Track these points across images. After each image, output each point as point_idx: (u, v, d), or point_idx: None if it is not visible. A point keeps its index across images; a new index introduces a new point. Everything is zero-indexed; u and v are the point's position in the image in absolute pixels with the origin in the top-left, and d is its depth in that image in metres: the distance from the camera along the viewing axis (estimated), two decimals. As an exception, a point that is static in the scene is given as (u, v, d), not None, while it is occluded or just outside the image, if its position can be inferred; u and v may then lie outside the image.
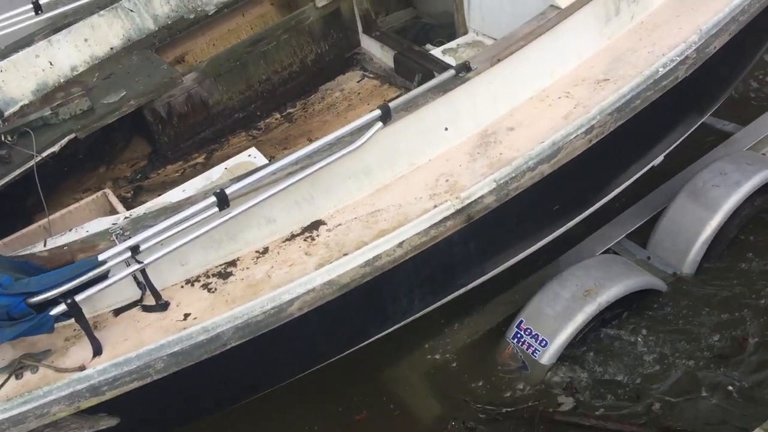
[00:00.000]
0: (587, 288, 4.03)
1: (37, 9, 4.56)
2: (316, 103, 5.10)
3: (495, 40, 4.21)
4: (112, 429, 3.10)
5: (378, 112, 3.23)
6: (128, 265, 2.84)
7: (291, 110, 5.10)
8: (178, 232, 2.89)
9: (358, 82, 5.20)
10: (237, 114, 4.95)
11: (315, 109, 5.06)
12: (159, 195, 4.44)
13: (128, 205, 4.33)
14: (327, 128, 4.81)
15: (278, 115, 5.06)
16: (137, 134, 4.87)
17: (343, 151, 3.18)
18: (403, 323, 3.76)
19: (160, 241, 2.87)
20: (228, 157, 4.74)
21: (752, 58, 4.61)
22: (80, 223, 3.89)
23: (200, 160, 4.77)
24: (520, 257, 4.03)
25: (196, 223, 2.92)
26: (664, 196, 4.70)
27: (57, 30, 4.62)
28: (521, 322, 4.10)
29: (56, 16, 4.66)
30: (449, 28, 5.34)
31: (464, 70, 3.43)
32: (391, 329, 3.75)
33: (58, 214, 3.88)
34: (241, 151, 4.75)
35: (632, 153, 4.14)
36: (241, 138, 4.92)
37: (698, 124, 4.51)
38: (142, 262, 2.84)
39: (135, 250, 2.80)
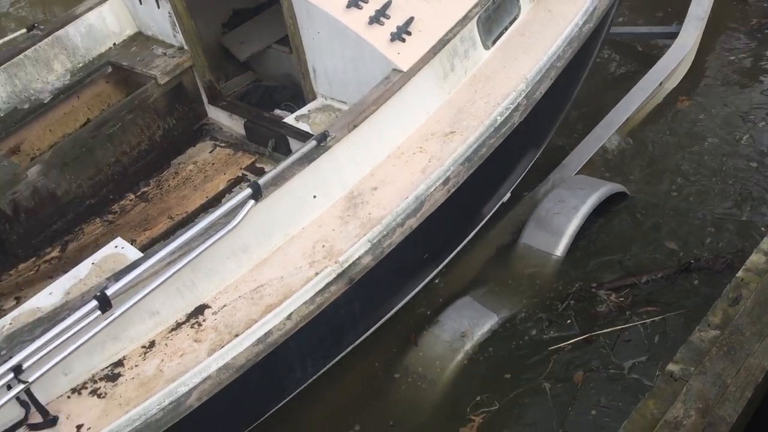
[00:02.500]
0: (463, 330, 4.29)
1: None
2: (170, 179, 5.05)
3: (343, 103, 4.42)
4: None
5: (249, 190, 3.30)
6: (10, 387, 2.69)
7: (145, 189, 5.00)
8: (61, 342, 2.78)
9: (210, 152, 5.20)
10: (88, 201, 4.79)
11: (170, 185, 5.00)
12: (16, 298, 4.24)
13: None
14: (186, 203, 4.78)
15: (132, 196, 4.95)
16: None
17: (220, 233, 3.20)
18: (296, 392, 3.80)
19: (43, 356, 2.74)
20: (85, 247, 4.59)
21: (573, 93, 5.15)
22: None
23: (55, 254, 4.55)
24: (400, 305, 4.22)
25: (78, 330, 2.82)
26: (512, 227, 5.11)
27: None
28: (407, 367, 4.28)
29: None
30: (291, 89, 5.50)
31: (324, 138, 3.58)
32: (286, 400, 3.78)
33: None
34: (97, 239, 4.63)
35: (485, 195, 4.49)
36: (96, 225, 4.75)
37: (536, 157, 4.96)
38: (27, 382, 2.69)
39: (18, 370, 2.66)
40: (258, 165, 4.96)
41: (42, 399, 2.90)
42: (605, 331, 4.36)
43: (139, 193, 4.96)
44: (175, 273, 3.09)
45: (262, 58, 5.87)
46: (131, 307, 2.95)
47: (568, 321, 4.47)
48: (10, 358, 2.71)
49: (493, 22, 4.38)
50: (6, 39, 4.90)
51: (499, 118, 4.02)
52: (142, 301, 3.05)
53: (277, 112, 5.14)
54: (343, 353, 3.99)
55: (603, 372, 4.19)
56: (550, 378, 4.20)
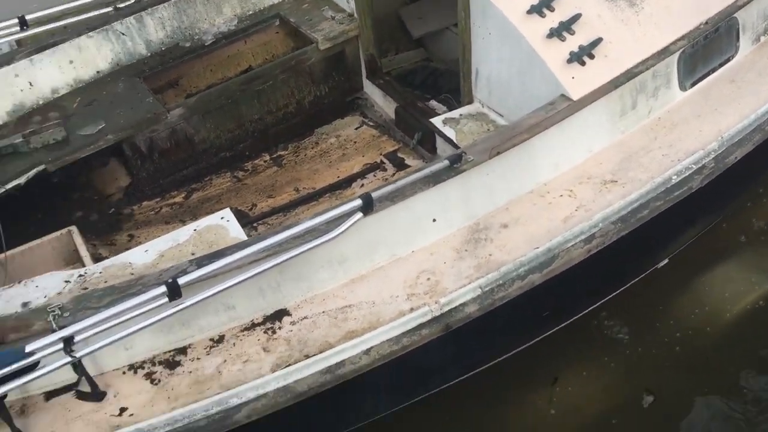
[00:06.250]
0: None
1: (23, 24, 4.27)
2: (309, 148, 4.82)
3: (500, 115, 3.93)
4: None
5: (359, 201, 2.95)
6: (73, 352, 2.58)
7: (282, 153, 4.82)
8: (123, 321, 2.63)
9: (355, 129, 4.92)
10: (223, 153, 4.67)
11: (307, 154, 4.78)
12: (129, 235, 4.24)
13: (95, 244, 4.09)
14: (316, 178, 4.55)
15: (267, 157, 4.78)
16: (115, 162, 4.61)
17: (318, 241, 2.90)
18: (364, 423, 3.48)
19: (100, 331, 2.60)
20: (208, 198, 4.51)
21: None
22: (41, 261, 3.66)
23: (178, 199, 4.50)
24: (503, 357, 3.74)
25: (144, 312, 2.65)
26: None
27: (41, 49, 4.36)
28: None
29: (42, 34, 4.40)
30: (458, 78, 5.05)
31: (458, 160, 3.15)
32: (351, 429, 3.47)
33: (17, 249, 3.63)
34: (222, 194, 4.53)
35: (635, 258, 3.85)
36: (225, 178, 4.64)
37: (713, 224, 4.20)
38: (75, 357, 2.57)
39: (69, 340, 2.53)
40: (400, 155, 4.62)
41: (97, 369, 2.81)
42: None
43: (274, 156, 4.79)
44: (259, 273, 2.83)
45: (436, 37, 5.46)
46: (201, 300, 2.74)
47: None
48: (66, 324, 2.59)
49: (699, 60, 3.68)
50: (185, -27, 4.82)
51: (674, 177, 3.37)
52: (220, 294, 2.84)
53: (433, 103, 4.73)
54: (429, 393, 3.59)
55: None
56: None
